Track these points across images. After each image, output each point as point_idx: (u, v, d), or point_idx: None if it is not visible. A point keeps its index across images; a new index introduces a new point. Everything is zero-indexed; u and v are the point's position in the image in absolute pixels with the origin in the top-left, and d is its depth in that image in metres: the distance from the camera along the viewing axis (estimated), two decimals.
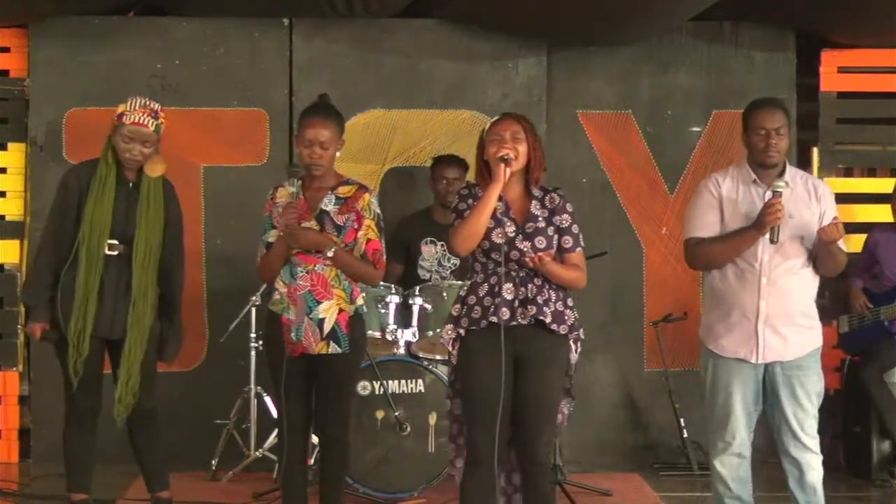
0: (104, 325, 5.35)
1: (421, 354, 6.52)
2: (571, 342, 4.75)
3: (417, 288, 6.52)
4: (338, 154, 5.19)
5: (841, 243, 4.85)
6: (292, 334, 5.07)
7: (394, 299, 6.40)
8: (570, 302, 4.78)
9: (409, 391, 6.32)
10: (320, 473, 5.33)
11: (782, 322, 4.87)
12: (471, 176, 6.80)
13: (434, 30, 7.47)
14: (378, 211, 5.20)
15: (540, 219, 4.75)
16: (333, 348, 5.09)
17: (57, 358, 5.41)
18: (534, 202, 4.77)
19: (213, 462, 6.81)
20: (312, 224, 5.11)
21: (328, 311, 5.09)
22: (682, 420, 7.15)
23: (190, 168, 7.19)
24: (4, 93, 7.44)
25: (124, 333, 5.35)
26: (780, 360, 4.88)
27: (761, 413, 4.98)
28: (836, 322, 7.22)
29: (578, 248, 4.79)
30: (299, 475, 5.22)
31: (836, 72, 7.58)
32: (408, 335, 6.43)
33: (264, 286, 6.24)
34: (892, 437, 6.99)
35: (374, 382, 6.27)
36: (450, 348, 4.77)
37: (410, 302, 6.44)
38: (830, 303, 6.99)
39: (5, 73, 7.47)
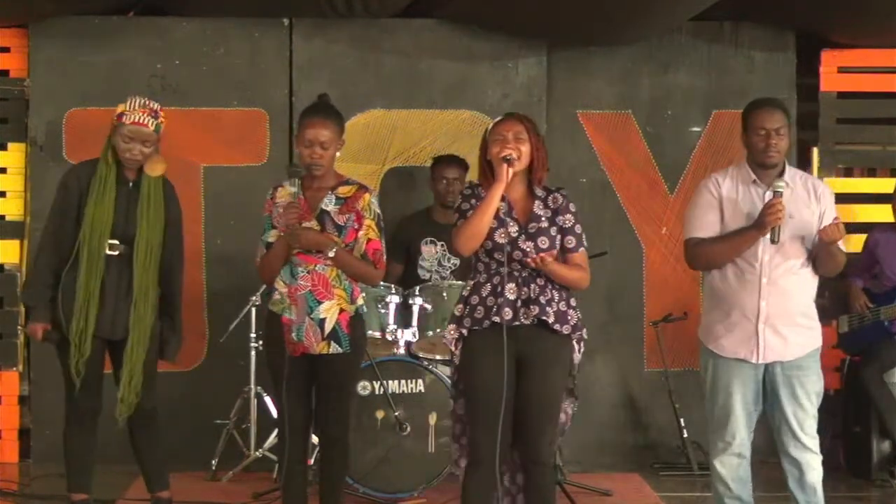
0: (105, 325, 5.35)
1: (421, 354, 6.52)
2: (574, 342, 4.75)
3: (417, 288, 6.52)
4: (338, 154, 5.19)
5: (840, 243, 4.85)
6: (293, 334, 5.07)
7: (394, 299, 6.41)
8: (572, 302, 4.78)
9: (409, 391, 6.32)
10: (320, 473, 5.33)
11: (782, 322, 4.87)
12: (472, 176, 6.83)
13: (434, 30, 7.47)
14: (378, 211, 5.20)
15: (543, 219, 4.74)
16: (334, 348, 5.10)
17: (58, 358, 5.41)
18: (537, 202, 4.77)
19: (213, 462, 6.81)
20: (313, 224, 5.11)
21: (329, 311, 5.09)
22: (682, 420, 7.15)
23: (190, 168, 7.19)
24: (4, 93, 7.44)
25: (126, 333, 5.35)
26: (780, 360, 4.88)
27: (761, 413, 4.98)
28: (836, 322, 7.22)
29: (581, 248, 4.79)
30: (299, 475, 5.22)
31: (836, 72, 7.58)
32: (408, 335, 6.43)
33: (264, 286, 6.24)
34: (892, 437, 6.99)
35: (374, 382, 6.27)
36: (452, 348, 4.78)
37: (410, 302, 6.44)
38: (830, 303, 6.99)
39: (5, 73, 7.47)
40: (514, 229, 4.71)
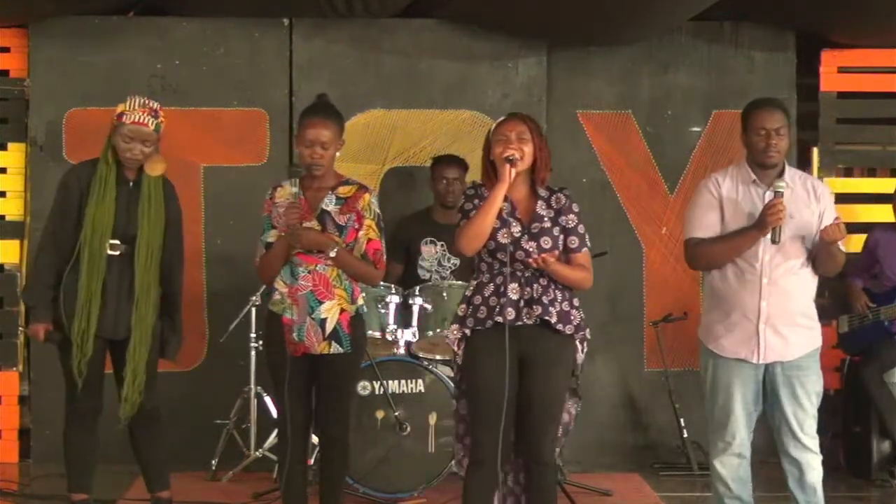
0: (107, 325, 5.35)
1: (421, 354, 6.52)
2: (577, 342, 4.75)
3: (417, 288, 6.52)
4: (338, 154, 5.19)
5: (841, 244, 4.85)
6: (294, 334, 5.07)
7: (394, 299, 6.41)
8: (575, 302, 4.78)
9: (409, 391, 6.32)
10: (320, 473, 5.33)
11: (783, 322, 4.87)
12: (471, 176, 6.84)
13: (434, 30, 7.47)
14: (378, 211, 5.20)
15: (545, 219, 4.74)
16: (335, 348, 5.10)
17: (59, 358, 5.41)
18: (539, 202, 4.77)
19: (213, 462, 6.81)
20: (314, 224, 5.11)
21: (330, 311, 5.09)
22: (682, 420, 7.15)
23: (190, 168, 7.19)
24: (4, 93, 7.44)
25: (127, 333, 5.35)
26: (780, 360, 4.88)
27: (761, 413, 4.98)
28: (836, 322, 7.23)
29: (584, 249, 4.79)
30: (299, 475, 5.22)
31: (836, 72, 7.58)
32: (408, 335, 6.43)
33: (264, 286, 6.24)
34: (892, 437, 6.99)
35: (374, 382, 6.27)
36: (455, 348, 4.77)
37: (410, 302, 6.44)
38: (830, 303, 6.99)
39: (5, 73, 7.47)
40: (516, 229, 4.71)
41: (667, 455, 7.38)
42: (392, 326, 6.41)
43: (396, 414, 6.25)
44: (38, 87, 7.34)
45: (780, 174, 4.90)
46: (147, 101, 5.40)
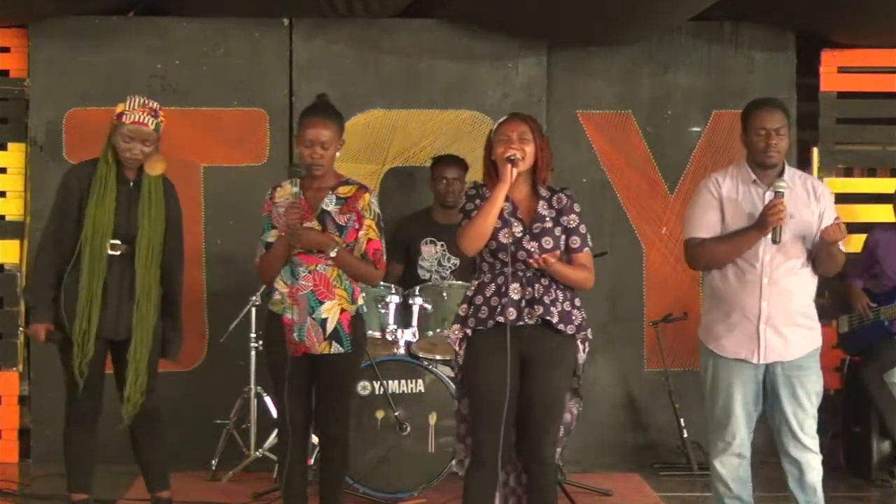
0: (108, 325, 5.34)
1: (421, 354, 6.52)
2: (579, 342, 4.75)
3: (417, 288, 6.52)
4: (338, 154, 5.19)
5: (841, 244, 4.85)
6: (295, 334, 5.07)
7: (394, 299, 6.40)
8: (577, 302, 4.78)
9: (409, 391, 6.32)
10: (320, 473, 5.33)
11: (783, 322, 4.86)
12: (471, 176, 6.84)
13: (434, 30, 7.47)
14: (378, 211, 5.20)
15: (547, 219, 4.74)
16: (336, 348, 5.10)
17: (59, 358, 5.40)
18: (541, 202, 4.77)
19: (213, 462, 6.81)
20: (314, 224, 5.11)
21: (331, 311, 5.09)
22: (682, 420, 7.15)
23: (190, 168, 7.19)
24: (4, 93, 7.44)
25: (128, 333, 5.35)
26: (780, 360, 4.88)
27: (761, 413, 4.98)
28: (836, 322, 7.23)
29: (586, 249, 4.79)
30: (299, 475, 5.22)
31: (836, 72, 7.58)
32: (408, 335, 6.43)
33: (264, 286, 6.24)
34: (892, 437, 6.99)
35: (374, 382, 6.27)
36: (456, 348, 4.77)
37: (410, 302, 6.44)
38: (830, 303, 6.99)
39: (5, 73, 7.47)
40: (518, 229, 4.71)
41: (667, 455, 7.38)
42: (392, 326, 6.41)
43: (396, 414, 6.25)
44: (38, 87, 7.34)
45: (780, 174, 4.90)
46: (146, 101, 5.40)
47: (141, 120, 5.31)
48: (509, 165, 4.65)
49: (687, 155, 7.53)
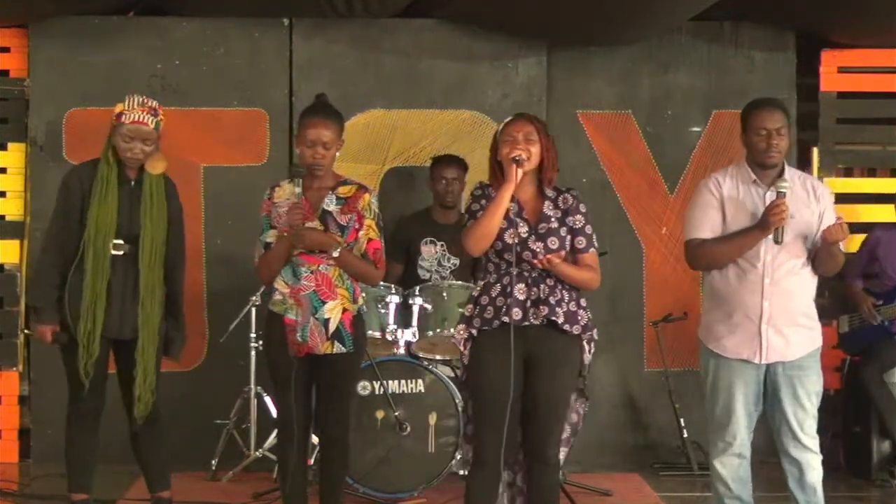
0: (113, 325, 5.32)
1: (421, 354, 6.52)
2: (585, 342, 4.74)
3: (417, 288, 6.52)
4: (338, 154, 5.20)
5: (841, 244, 4.85)
6: (297, 335, 5.07)
7: (394, 299, 6.40)
8: (583, 302, 4.77)
9: (409, 391, 6.32)
10: (320, 473, 5.33)
11: (784, 322, 4.86)
12: (471, 176, 6.84)
13: (434, 30, 7.47)
14: (378, 211, 5.21)
15: (553, 219, 4.74)
16: (338, 348, 5.10)
17: (62, 359, 5.39)
18: (547, 203, 4.77)
19: (213, 462, 6.81)
20: (316, 224, 5.11)
21: (333, 311, 5.10)
22: (682, 420, 7.15)
23: (190, 168, 7.19)
24: (4, 93, 7.44)
25: (133, 333, 5.33)
26: (781, 360, 4.87)
27: (761, 413, 4.98)
28: (836, 322, 7.22)
29: (592, 249, 4.79)
30: (299, 475, 5.21)
31: (836, 72, 7.58)
32: (408, 335, 6.43)
33: (264, 286, 6.23)
34: (892, 437, 6.99)
35: (374, 382, 6.27)
36: (462, 348, 4.77)
37: (410, 302, 6.44)
38: (830, 303, 6.99)
39: (5, 73, 7.47)
40: (523, 230, 4.70)
41: (667, 455, 7.38)
42: (392, 326, 6.40)
43: (396, 414, 6.25)
44: (38, 87, 7.35)
45: (780, 174, 4.90)
46: (146, 100, 5.39)
47: (140, 119, 5.31)
48: (515, 166, 4.64)
49: (687, 155, 7.53)
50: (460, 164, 6.98)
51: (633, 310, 7.52)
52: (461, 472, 6.05)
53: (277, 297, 5.15)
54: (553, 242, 4.70)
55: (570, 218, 4.76)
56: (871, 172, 7.78)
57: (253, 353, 6.73)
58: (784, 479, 4.96)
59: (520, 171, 4.65)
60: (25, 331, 7.16)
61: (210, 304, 7.28)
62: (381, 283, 5.97)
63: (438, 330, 6.39)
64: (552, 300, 4.66)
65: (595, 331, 4.79)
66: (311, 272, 5.09)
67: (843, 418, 7.32)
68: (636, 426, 7.54)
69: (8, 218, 7.44)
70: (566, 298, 4.70)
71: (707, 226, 4.93)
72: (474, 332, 4.72)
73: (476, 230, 4.66)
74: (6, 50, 7.44)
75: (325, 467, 5.28)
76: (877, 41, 7.46)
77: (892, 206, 7.22)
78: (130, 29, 7.43)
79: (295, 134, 5.36)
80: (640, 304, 7.53)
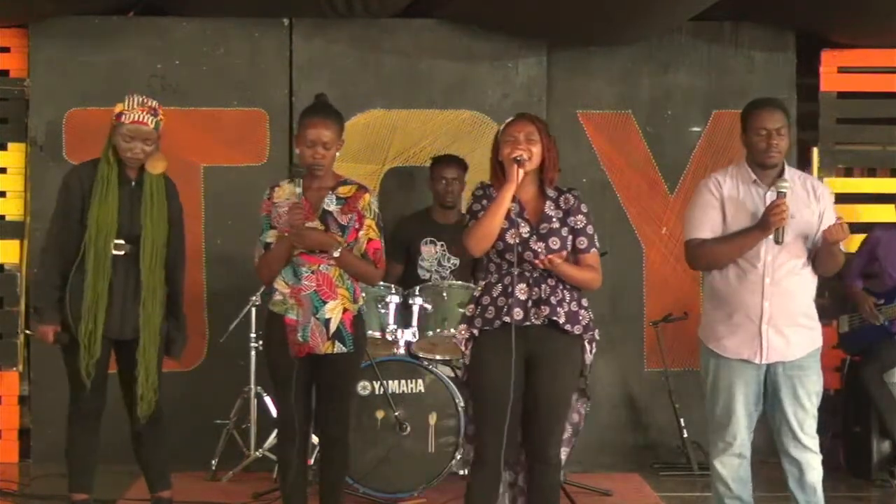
0: (114, 325, 5.32)
1: (421, 354, 6.52)
2: (586, 342, 4.74)
3: (417, 288, 6.52)
4: (337, 154, 5.20)
5: (842, 244, 4.85)
6: (298, 335, 5.07)
7: (394, 299, 6.40)
8: (584, 302, 4.77)
9: (409, 391, 6.32)
10: (320, 473, 5.33)
11: (785, 322, 4.86)
12: (471, 176, 6.84)
13: (434, 30, 7.47)
14: (378, 211, 5.21)
15: (554, 219, 4.74)
16: (339, 348, 5.10)
17: (63, 359, 5.39)
18: (548, 203, 4.77)
19: (213, 462, 6.81)
20: (316, 224, 5.11)
21: (334, 311, 5.10)
22: (682, 420, 7.15)
23: (190, 168, 7.19)
24: (4, 93, 7.44)
25: (134, 333, 5.33)
26: (782, 360, 4.87)
27: (761, 413, 4.98)
28: (836, 322, 7.22)
29: (593, 249, 4.79)
30: (299, 475, 5.21)
31: (836, 72, 7.58)
32: (408, 335, 6.43)
33: (264, 286, 6.23)
34: (892, 437, 6.99)
35: (374, 382, 6.27)
36: (463, 348, 4.77)
37: (410, 302, 6.44)
38: (830, 303, 6.99)
39: (5, 73, 7.47)
40: (525, 230, 4.70)
41: (667, 455, 7.38)
42: (392, 326, 6.40)
43: (396, 414, 6.25)
44: (38, 87, 7.35)
45: (780, 174, 4.90)
46: (145, 100, 5.39)
47: (140, 119, 5.31)
48: (516, 166, 4.64)
49: (687, 155, 7.53)
50: (460, 164, 6.98)
51: (633, 310, 7.52)
52: (461, 472, 6.05)
53: (278, 297, 5.15)
54: (554, 242, 4.69)
55: (572, 218, 4.76)
56: (871, 172, 7.78)
57: (253, 353, 6.73)
58: (784, 479, 4.96)
59: (521, 172, 4.64)
60: (26, 331, 7.16)
61: (210, 304, 7.28)
62: (381, 283, 5.97)
63: (438, 330, 6.39)
64: (553, 300, 4.66)
65: (597, 331, 4.79)
66: (312, 272, 5.09)
67: (843, 418, 7.32)
68: (636, 426, 7.54)
69: (8, 218, 7.44)
70: (567, 298, 4.70)
71: (707, 226, 4.92)
72: (475, 332, 4.72)
73: (477, 230, 4.66)
74: (6, 50, 7.44)
75: (325, 467, 5.28)
76: (877, 41, 7.46)
77: (892, 206, 7.22)
78: (130, 29, 7.43)
79: (295, 134, 5.35)
80: (640, 304, 7.53)
